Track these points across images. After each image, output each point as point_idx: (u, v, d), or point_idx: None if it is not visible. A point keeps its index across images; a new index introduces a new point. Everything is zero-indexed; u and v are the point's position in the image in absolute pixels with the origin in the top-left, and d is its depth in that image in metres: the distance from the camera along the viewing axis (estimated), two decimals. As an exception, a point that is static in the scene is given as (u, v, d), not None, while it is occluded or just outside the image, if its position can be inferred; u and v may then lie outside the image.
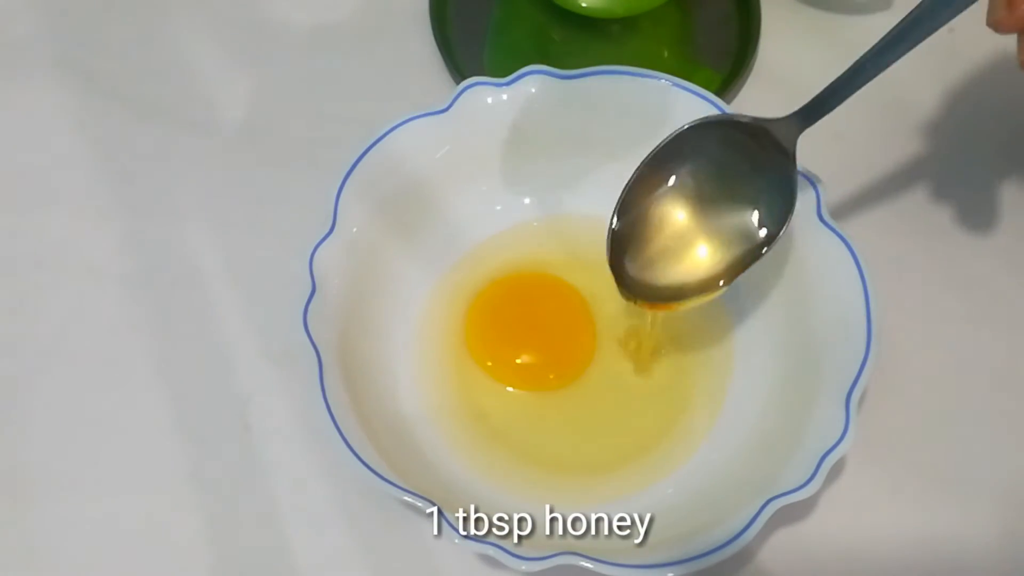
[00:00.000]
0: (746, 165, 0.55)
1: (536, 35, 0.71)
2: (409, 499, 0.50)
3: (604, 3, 0.67)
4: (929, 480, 0.59)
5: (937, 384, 0.61)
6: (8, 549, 0.59)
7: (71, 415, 0.62)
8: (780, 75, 0.69)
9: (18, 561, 0.59)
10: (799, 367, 0.56)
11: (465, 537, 0.50)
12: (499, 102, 0.59)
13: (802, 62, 0.68)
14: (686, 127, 0.54)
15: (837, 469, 0.53)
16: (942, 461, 0.59)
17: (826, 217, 0.56)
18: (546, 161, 0.62)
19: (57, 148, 0.69)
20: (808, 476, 0.51)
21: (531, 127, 0.60)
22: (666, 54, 0.72)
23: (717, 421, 0.59)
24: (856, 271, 0.54)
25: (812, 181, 0.56)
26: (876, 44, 0.51)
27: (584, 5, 0.67)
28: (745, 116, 0.54)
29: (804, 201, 0.56)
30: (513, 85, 0.59)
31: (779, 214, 0.54)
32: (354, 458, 0.51)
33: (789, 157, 0.53)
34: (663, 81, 0.59)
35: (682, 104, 0.59)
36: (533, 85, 0.59)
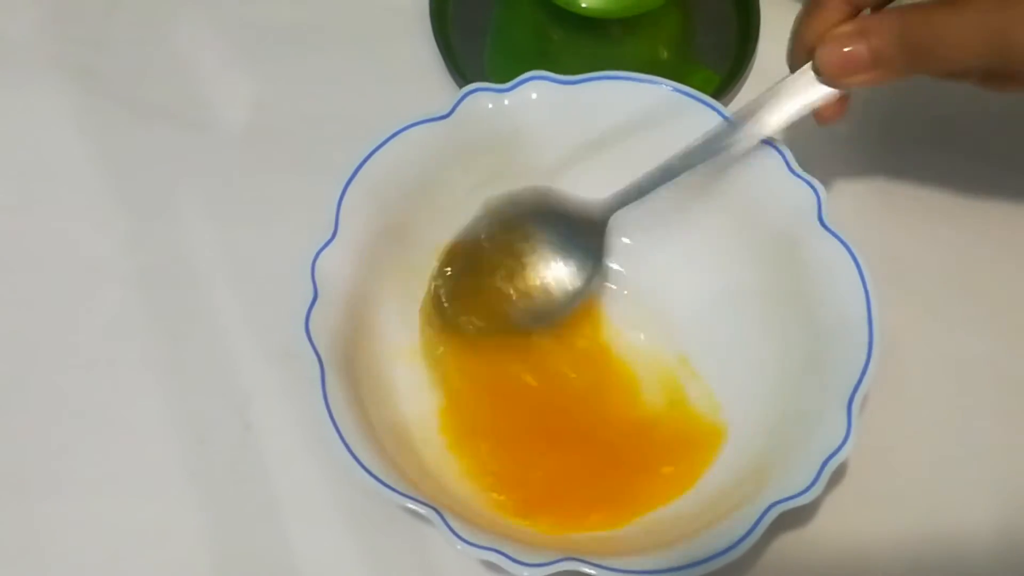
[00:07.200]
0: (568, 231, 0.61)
1: (536, 36, 0.71)
2: (412, 506, 0.50)
3: (604, 3, 0.67)
4: (930, 481, 0.59)
5: (938, 385, 0.61)
6: (8, 549, 0.59)
7: (71, 415, 0.62)
8: (779, 76, 0.68)
9: (18, 561, 0.59)
10: (800, 372, 0.56)
11: (467, 543, 0.50)
12: (500, 108, 0.59)
13: (801, 62, 0.68)
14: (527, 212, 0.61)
15: (839, 472, 0.53)
16: (943, 462, 0.59)
17: (827, 222, 0.56)
18: (547, 167, 0.62)
19: (57, 148, 0.68)
20: (810, 481, 0.51)
21: (532, 133, 0.60)
22: (665, 55, 0.72)
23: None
24: (858, 276, 0.54)
25: (813, 186, 0.56)
26: (686, 147, 0.57)
27: (584, 5, 0.67)
28: (572, 203, 0.61)
29: (805, 206, 0.56)
30: (514, 91, 0.59)
31: (587, 272, 0.60)
32: (357, 465, 0.51)
33: (599, 229, 0.60)
34: (663, 86, 0.59)
35: (682, 109, 0.59)
36: (534, 91, 0.59)
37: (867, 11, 0.54)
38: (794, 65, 0.55)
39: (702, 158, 0.57)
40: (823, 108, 0.55)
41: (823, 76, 0.53)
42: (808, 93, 0.54)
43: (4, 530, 0.59)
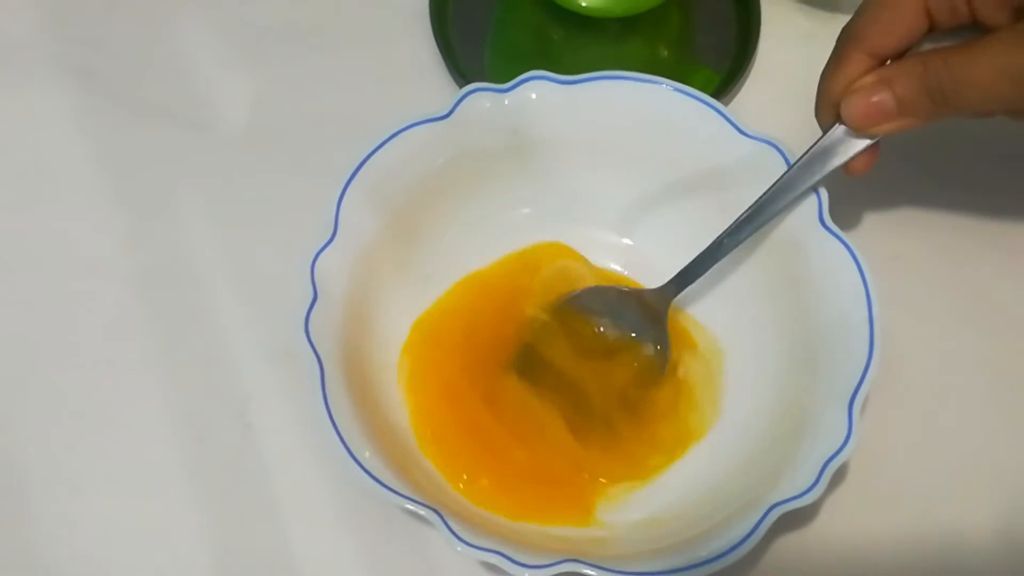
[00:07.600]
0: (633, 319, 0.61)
1: (536, 35, 0.71)
2: (412, 507, 0.50)
3: (604, 3, 0.67)
4: (930, 481, 0.59)
5: (938, 385, 0.61)
6: (8, 549, 0.59)
7: (71, 415, 0.62)
8: (779, 75, 0.69)
9: (18, 561, 0.59)
10: (801, 373, 0.56)
11: (467, 545, 0.50)
12: (500, 108, 0.59)
13: (802, 62, 0.67)
14: (585, 290, 0.62)
15: (840, 473, 0.53)
16: (943, 462, 0.60)
17: (828, 222, 0.56)
18: (546, 167, 0.61)
19: (57, 148, 0.68)
20: (811, 482, 0.51)
21: (532, 133, 0.60)
22: (665, 54, 0.72)
23: (719, 428, 0.59)
24: (859, 277, 0.54)
25: (814, 186, 0.56)
26: (732, 224, 0.57)
27: (584, 5, 0.67)
28: (629, 289, 0.62)
29: (806, 206, 0.56)
30: (514, 91, 0.59)
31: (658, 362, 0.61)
32: (356, 465, 0.51)
33: (661, 319, 0.61)
34: (663, 86, 0.59)
35: (682, 109, 0.59)
36: (534, 91, 0.59)
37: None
38: (822, 118, 0.55)
39: (750, 232, 0.57)
40: (854, 161, 0.55)
41: (851, 127, 0.53)
42: (846, 149, 0.54)
43: (4, 530, 0.59)
